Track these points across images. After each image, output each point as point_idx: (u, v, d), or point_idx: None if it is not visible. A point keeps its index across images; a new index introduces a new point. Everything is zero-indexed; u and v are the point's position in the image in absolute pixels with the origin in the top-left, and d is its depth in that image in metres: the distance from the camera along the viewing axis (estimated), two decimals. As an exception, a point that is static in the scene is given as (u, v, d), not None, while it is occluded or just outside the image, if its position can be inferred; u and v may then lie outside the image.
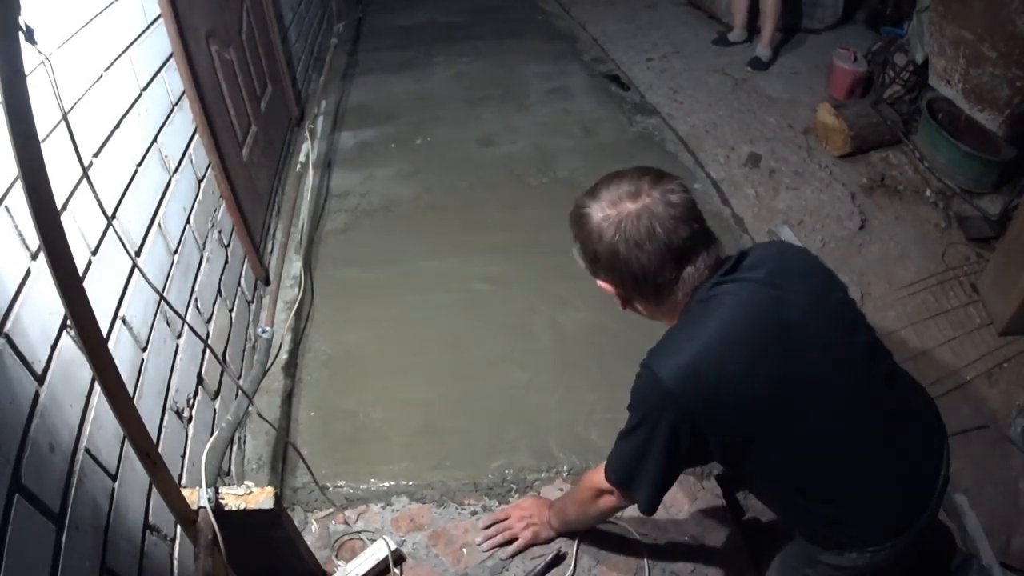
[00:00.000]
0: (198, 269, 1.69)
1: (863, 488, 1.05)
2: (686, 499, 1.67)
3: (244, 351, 1.99)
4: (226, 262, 1.93)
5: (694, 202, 1.03)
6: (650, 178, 1.04)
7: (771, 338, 1.00)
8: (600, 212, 1.05)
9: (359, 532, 1.62)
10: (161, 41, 1.67)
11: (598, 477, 1.23)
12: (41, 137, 0.78)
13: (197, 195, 1.76)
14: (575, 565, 1.55)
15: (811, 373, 1.01)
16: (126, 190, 1.34)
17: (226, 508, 1.16)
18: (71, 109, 1.16)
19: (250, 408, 1.63)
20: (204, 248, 1.76)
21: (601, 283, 1.12)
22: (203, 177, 1.83)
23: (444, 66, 4.08)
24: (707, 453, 1.06)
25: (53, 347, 0.98)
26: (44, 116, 1.00)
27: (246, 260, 2.15)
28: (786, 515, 1.19)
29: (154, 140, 1.54)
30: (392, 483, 1.73)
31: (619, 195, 1.04)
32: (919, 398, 1.17)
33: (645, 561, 1.55)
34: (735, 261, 1.06)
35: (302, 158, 2.92)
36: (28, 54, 0.75)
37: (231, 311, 1.91)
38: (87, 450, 1.02)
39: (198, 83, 1.83)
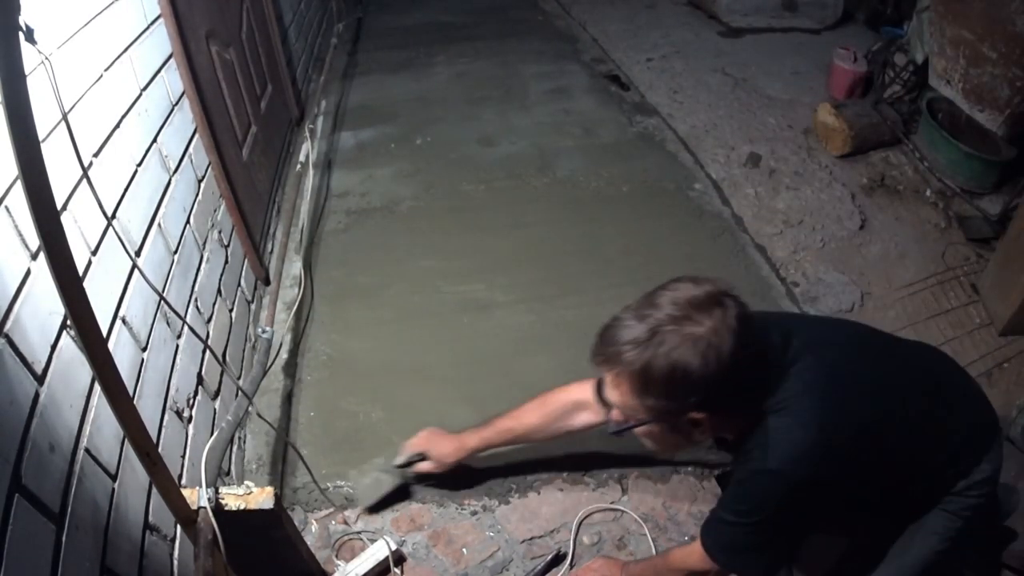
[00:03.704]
0: (198, 269, 1.69)
1: (952, 428, 1.13)
2: (686, 499, 1.67)
3: (244, 351, 1.99)
4: (226, 262, 1.93)
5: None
6: (691, 282, 1.01)
7: (853, 391, 1.06)
8: (692, 340, 0.94)
9: (359, 532, 1.62)
10: (161, 41, 1.67)
11: (694, 559, 1.17)
12: (41, 137, 0.78)
13: (197, 195, 1.76)
14: (575, 565, 1.55)
15: (886, 388, 1.10)
16: (126, 190, 1.34)
17: (226, 508, 1.16)
18: (71, 109, 1.15)
19: (250, 408, 1.63)
20: (204, 248, 1.76)
21: (692, 419, 1.02)
22: (203, 177, 1.83)
23: (444, 66, 4.08)
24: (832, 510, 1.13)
25: (53, 347, 0.98)
26: (44, 116, 1.00)
27: (246, 260, 2.14)
28: (905, 500, 1.21)
29: (154, 140, 1.53)
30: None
31: (692, 312, 0.95)
32: (920, 347, 1.31)
33: (645, 561, 1.55)
34: (770, 344, 1.06)
35: (302, 158, 2.92)
36: (28, 54, 0.75)
37: (231, 311, 1.91)
38: (87, 450, 1.02)
39: (198, 83, 1.83)
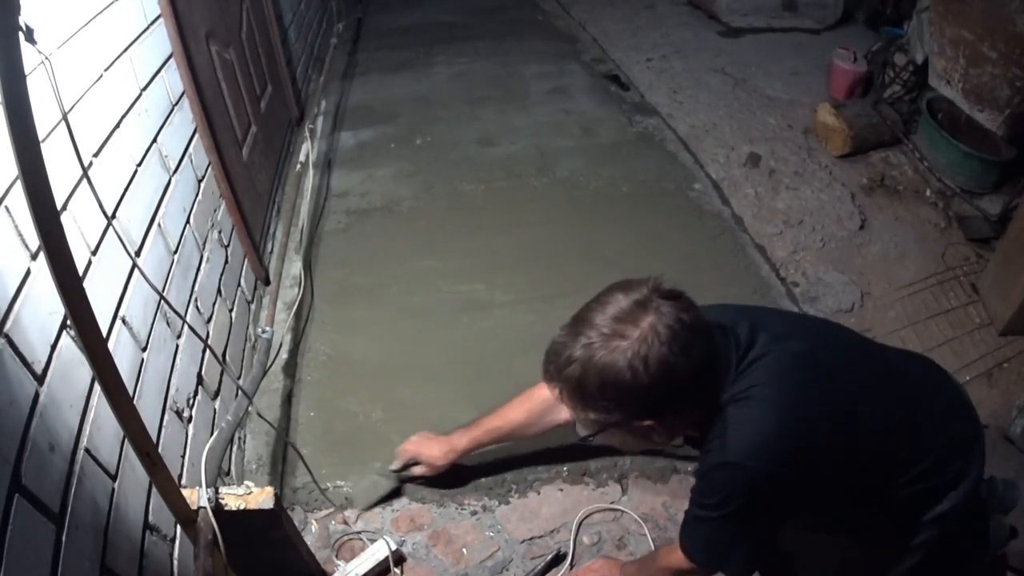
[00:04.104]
0: (198, 269, 1.69)
1: (929, 440, 1.09)
2: (686, 499, 1.66)
3: (244, 351, 1.99)
4: (226, 262, 1.93)
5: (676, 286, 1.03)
6: (621, 292, 0.99)
7: (822, 374, 1.04)
8: (620, 352, 0.93)
9: (359, 532, 1.62)
10: (161, 41, 1.67)
11: (676, 558, 1.17)
12: (41, 137, 0.78)
13: (197, 195, 1.76)
14: (575, 565, 1.55)
15: (858, 388, 1.06)
16: (126, 190, 1.34)
17: (226, 508, 1.16)
18: (71, 109, 1.15)
19: (250, 408, 1.63)
20: (204, 248, 1.76)
21: (643, 426, 1.01)
22: (203, 177, 1.83)
23: (444, 66, 4.08)
24: (800, 509, 1.10)
25: (53, 347, 0.98)
26: (44, 116, 1.00)
27: (246, 260, 2.15)
28: (871, 513, 1.18)
29: (154, 140, 1.53)
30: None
31: (620, 326, 0.95)
32: (905, 354, 1.29)
33: (645, 561, 1.55)
34: (732, 339, 1.04)
35: (302, 158, 2.92)
36: (28, 54, 0.75)
37: (231, 311, 1.91)
38: (87, 450, 1.02)
39: (198, 83, 1.83)
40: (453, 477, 1.69)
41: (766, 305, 2.20)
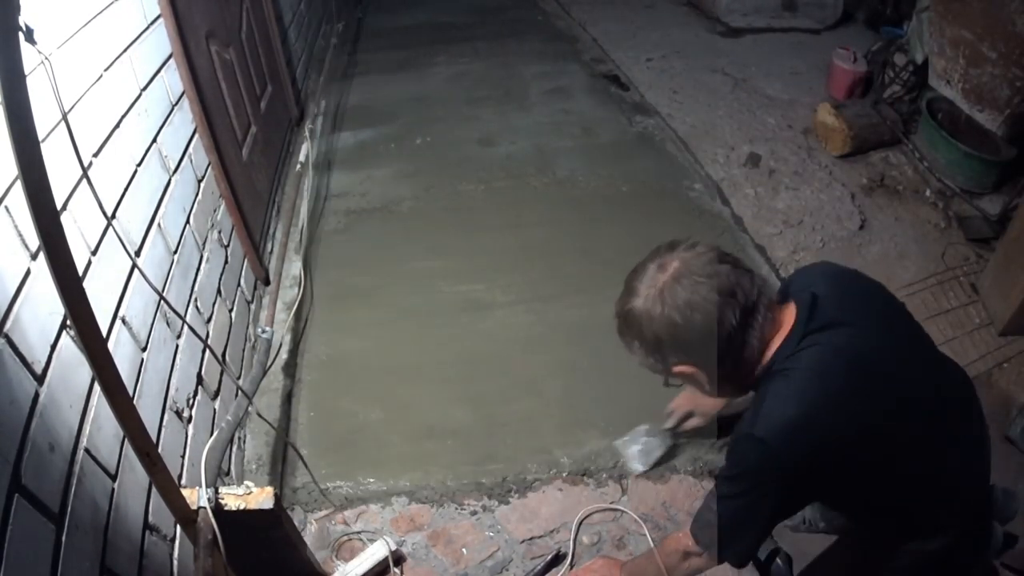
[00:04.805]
0: (198, 269, 1.69)
1: (953, 470, 1.11)
2: (686, 499, 1.67)
3: (244, 351, 1.99)
4: (226, 262, 1.93)
5: (718, 247, 1.09)
6: (666, 247, 1.10)
7: (868, 383, 1.03)
8: (640, 300, 1.07)
9: (358, 532, 1.62)
10: (161, 41, 1.67)
11: (686, 540, 1.20)
12: (41, 137, 0.78)
13: (197, 195, 1.76)
14: (575, 565, 1.55)
15: (905, 398, 1.06)
16: (126, 190, 1.34)
17: (226, 508, 1.16)
18: (71, 109, 1.16)
19: (250, 408, 1.62)
20: (204, 248, 1.76)
21: (681, 372, 1.12)
22: (203, 177, 1.83)
23: (444, 66, 4.08)
24: (807, 501, 1.13)
25: (53, 347, 0.98)
26: (44, 116, 1.00)
27: (246, 260, 2.14)
28: (873, 519, 1.19)
29: (154, 140, 1.53)
30: (391, 483, 1.73)
31: (649, 277, 1.08)
32: (958, 374, 1.23)
33: (645, 561, 1.55)
34: (809, 310, 1.07)
35: (302, 158, 2.92)
36: (28, 54, 0.75)
37: (231, 311, 1.91)
38: (87, 450, 1.02)
39: (198, 83, 1.83)
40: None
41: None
